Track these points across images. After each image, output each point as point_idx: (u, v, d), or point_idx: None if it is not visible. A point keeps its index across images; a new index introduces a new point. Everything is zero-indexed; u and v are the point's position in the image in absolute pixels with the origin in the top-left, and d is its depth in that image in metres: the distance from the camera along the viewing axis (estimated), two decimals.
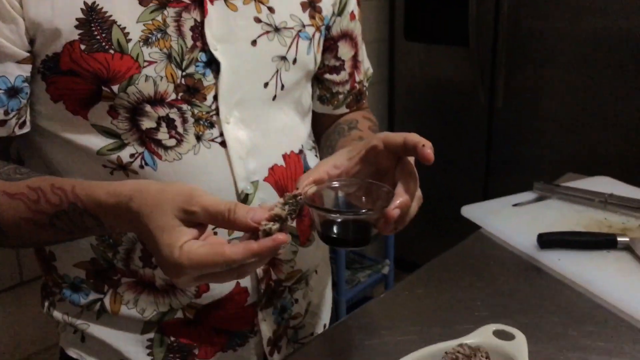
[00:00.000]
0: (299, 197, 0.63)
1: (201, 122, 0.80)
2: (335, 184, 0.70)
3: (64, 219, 0.70)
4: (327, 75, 0.99)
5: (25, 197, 0.72)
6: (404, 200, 0.65)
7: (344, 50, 0.99)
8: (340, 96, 1.02)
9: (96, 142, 0.78)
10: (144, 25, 0.75)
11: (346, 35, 0.99)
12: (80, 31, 0.72)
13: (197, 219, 0.62)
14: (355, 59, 1.02)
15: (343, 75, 1.00)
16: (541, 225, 1.11)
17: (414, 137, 0.66)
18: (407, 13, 2.63)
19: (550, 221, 1.15)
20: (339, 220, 0.67)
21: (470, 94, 2.50)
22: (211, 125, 0.80)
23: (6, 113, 0.75)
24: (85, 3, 0.72)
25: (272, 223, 0.60)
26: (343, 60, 1.00)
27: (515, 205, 1.23)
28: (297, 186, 0.67)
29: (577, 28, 2.18)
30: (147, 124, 0.77)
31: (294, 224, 0.90)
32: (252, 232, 0.61)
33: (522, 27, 2.31)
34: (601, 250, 1.05)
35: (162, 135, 0.78)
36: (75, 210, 0.69)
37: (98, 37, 0.73)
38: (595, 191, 1.22)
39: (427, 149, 0.64)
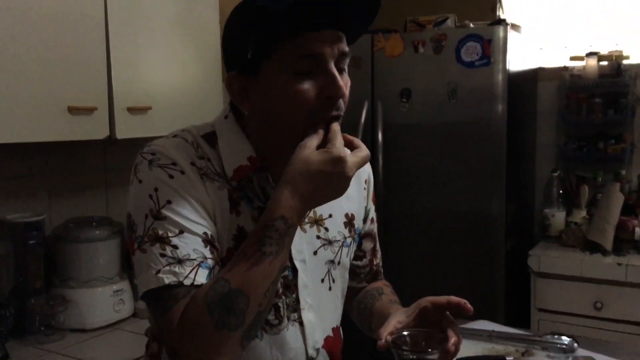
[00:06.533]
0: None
1: (289, 308, 1.11)
2: (405, 333, 1.03)
3: (270, 234, 0.93)
4: (353, 262, 1.31)
5: (236, 255, 0.94)
6: (456, 339, 1.01)
7: (366, 245, 1.34)
8: (362, 275, 1.36)
9: None
10: None
11: (368, 235, 1.34)
12: (234, 242, 1.04)
13: None
14: (374, 249, 1.36)
15: (364, 262, 1.35)
16: None
17: (455, 298, 1.05)
18: None
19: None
20: (415, 357, 0.97)
21: None
22: (294, 310, 1.12)
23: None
24: (238, 225, 1.04)
25: None
26: (364, 251, 1.34)
27: None
28: (380, 336, 1.02)
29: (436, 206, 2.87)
30: None
31: None
32: None
33: (393, 206, 2.96)
34: None
35: (271, 317, 1.08)
36: (268, 217, 0.93)
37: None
38: (483, 329, 1.74)
39: (468, 304, 1.03)
